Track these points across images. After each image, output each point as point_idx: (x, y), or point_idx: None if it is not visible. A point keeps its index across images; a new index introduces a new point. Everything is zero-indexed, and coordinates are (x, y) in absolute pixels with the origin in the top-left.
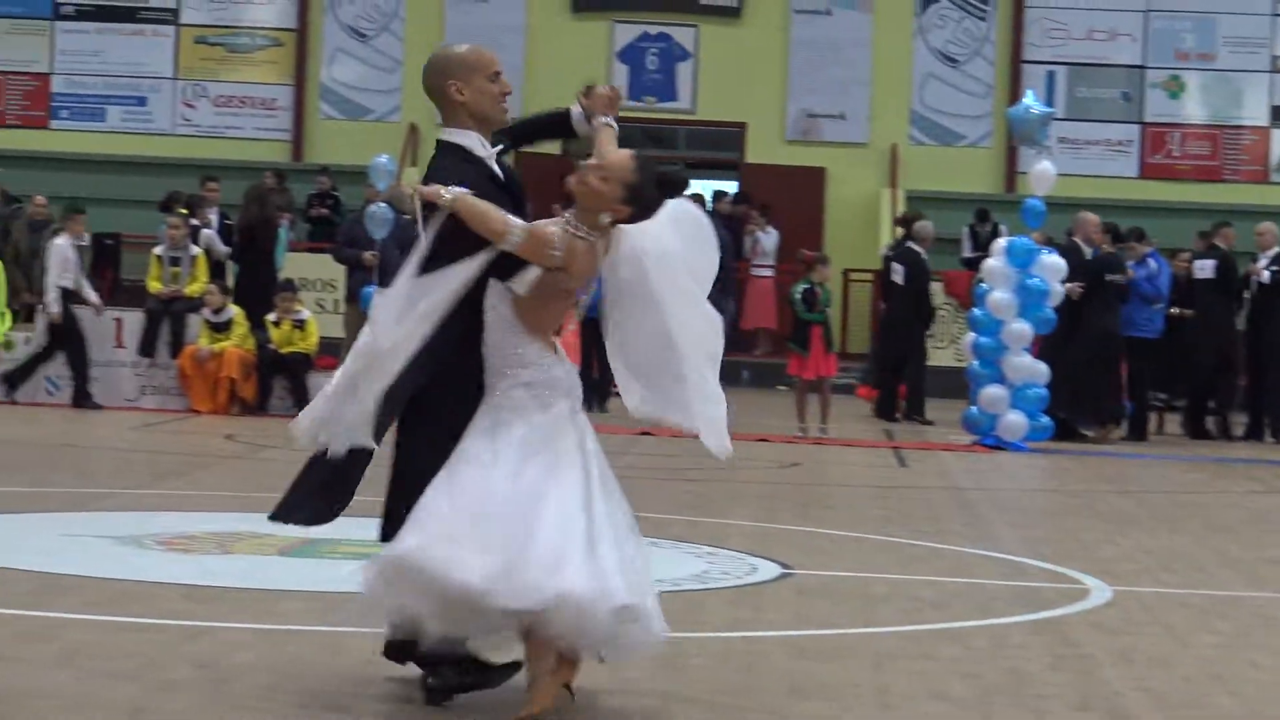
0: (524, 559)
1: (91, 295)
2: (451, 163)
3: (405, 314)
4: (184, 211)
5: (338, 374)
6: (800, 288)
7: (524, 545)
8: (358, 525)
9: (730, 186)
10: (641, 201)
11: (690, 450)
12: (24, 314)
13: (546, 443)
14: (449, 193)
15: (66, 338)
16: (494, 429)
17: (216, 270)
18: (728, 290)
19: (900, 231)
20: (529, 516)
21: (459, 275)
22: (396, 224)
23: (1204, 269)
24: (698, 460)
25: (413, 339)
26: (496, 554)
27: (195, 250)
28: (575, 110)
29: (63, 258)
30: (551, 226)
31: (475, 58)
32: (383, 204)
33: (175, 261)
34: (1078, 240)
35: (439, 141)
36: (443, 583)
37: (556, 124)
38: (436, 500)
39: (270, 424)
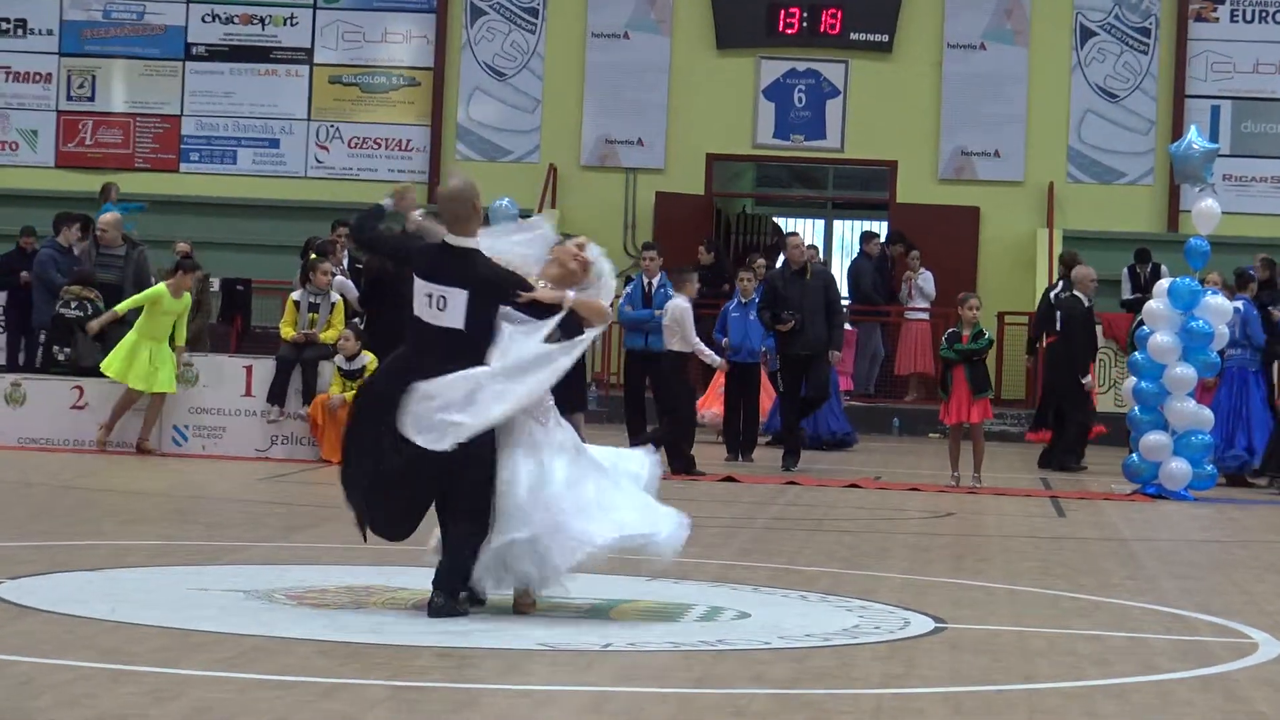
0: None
1: None
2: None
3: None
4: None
5: (457, 378)
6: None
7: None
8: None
9: (879, 227)
10: None
11: (842, 500)
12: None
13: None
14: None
15: None
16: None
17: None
18: (838, 323)
19: (1061, 270)
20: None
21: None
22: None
23: None
24: (851, 510)
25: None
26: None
27: (335, 297)
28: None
29: None
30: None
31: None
32: (507, 200)
33: (314, 308)
34: None
35: (469, 249)
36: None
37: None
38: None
39: None
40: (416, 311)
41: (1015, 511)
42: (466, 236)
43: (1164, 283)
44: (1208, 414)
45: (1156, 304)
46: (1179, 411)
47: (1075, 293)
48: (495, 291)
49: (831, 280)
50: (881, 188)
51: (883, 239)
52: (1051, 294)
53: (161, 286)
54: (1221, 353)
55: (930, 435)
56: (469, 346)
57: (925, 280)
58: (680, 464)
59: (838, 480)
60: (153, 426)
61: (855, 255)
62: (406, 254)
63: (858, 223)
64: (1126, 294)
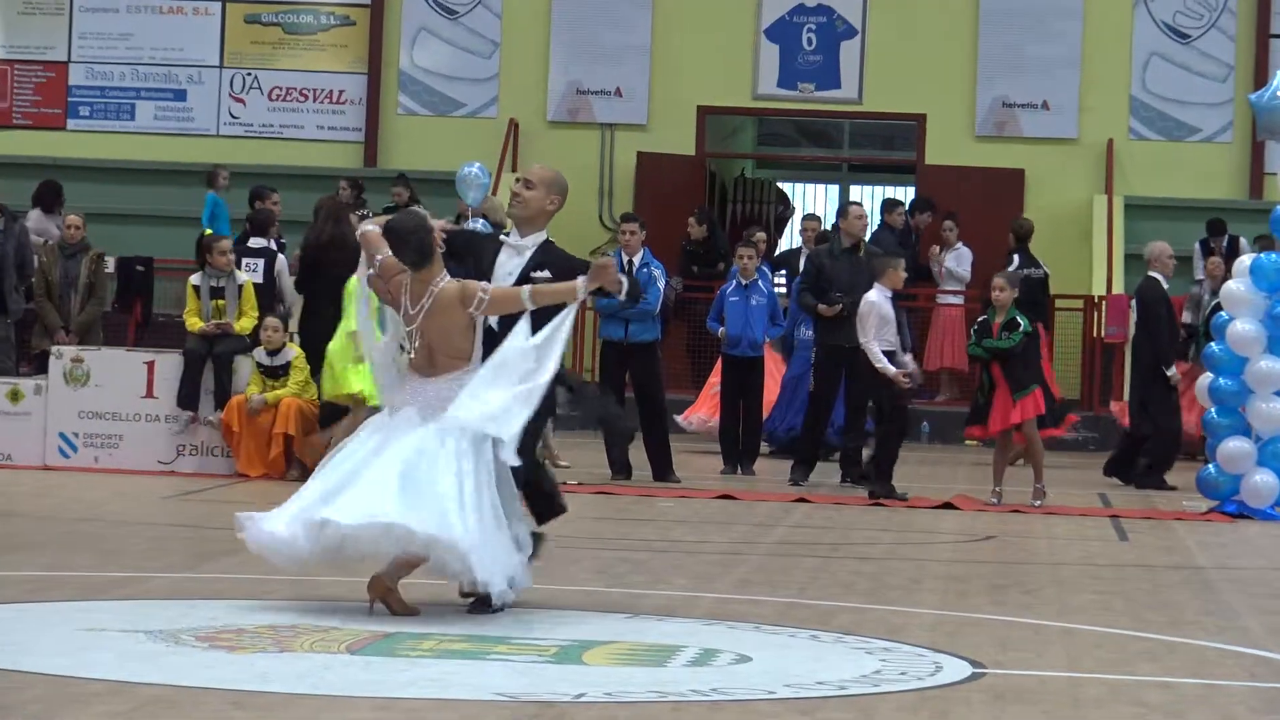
0: None
1: None
2: None
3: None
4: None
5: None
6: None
7: None
8: (443, 620)
9: (904, 193)
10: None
11: (861, 521)
12: (33, 362)
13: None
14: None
15: None
16: None
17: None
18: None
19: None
20: None
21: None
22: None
23: None
24: (873, 534)
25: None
26: None
27: (243, 278)
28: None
29: None
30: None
31: None
32: (482, 219)
33: (218, 293)
34: None
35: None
36: None
37: None
38: None
39: None
40: None
41: (1068, 534)
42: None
43: (1245, 259)
44: None
45: (1236, 285)
46: (1265, 413)
47: (1152, 273)
48: None
49: None
50: (907, 147)
51: (908, 207)
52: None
53: None
54: None
55: (966, 443)
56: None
57: (959, 258)
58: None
59: (856, 497)
60: None
61: (876, 227)
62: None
63: (878, 188)
64: (1200, 273)
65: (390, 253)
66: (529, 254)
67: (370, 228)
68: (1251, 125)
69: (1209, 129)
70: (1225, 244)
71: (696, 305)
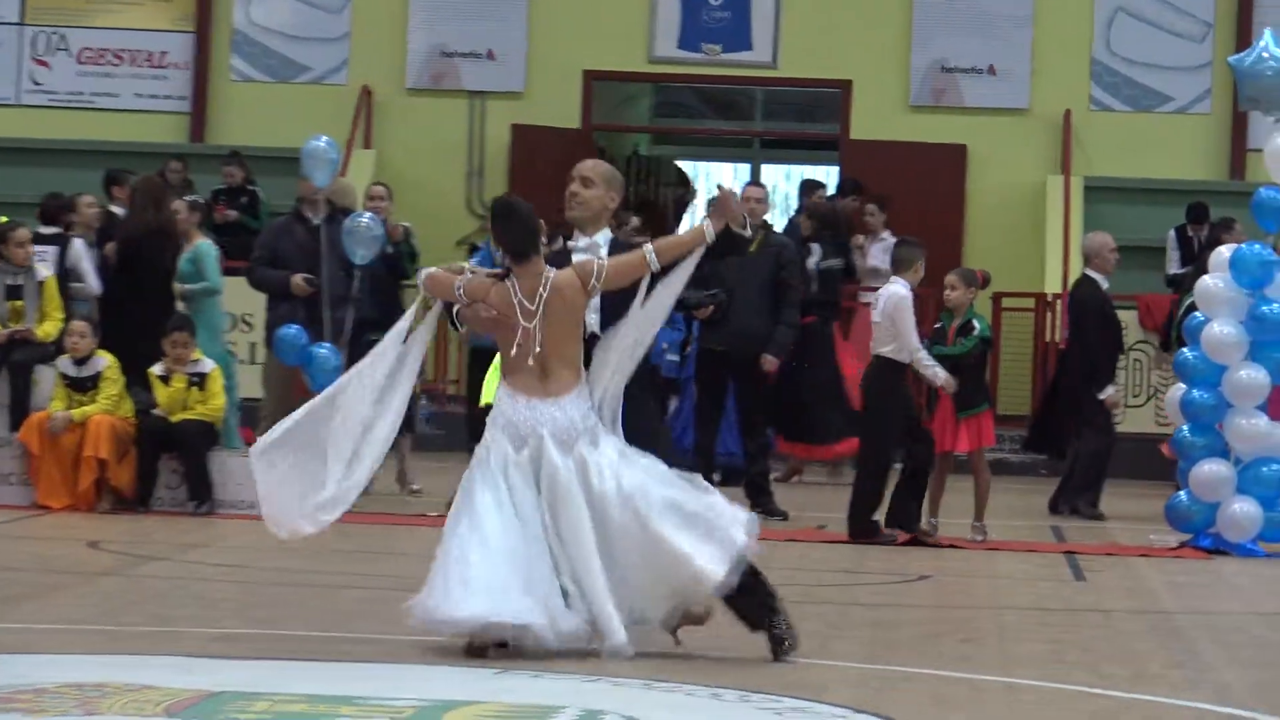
0: None
1: None
2: None
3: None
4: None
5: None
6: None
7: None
8: (281, 676)
9: (827, 173)
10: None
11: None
12: None
13: None
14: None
15: None
16: None
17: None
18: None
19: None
20: None
21: None
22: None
23: None
24: (786, 573)
25: None
26: None
27: (43, 274)
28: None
29: None
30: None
31: None
32: (368, 215)
33: (14, 293)
34: None
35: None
36: None
37: None
38: None
39: (155, 525)
40: None
41: (1015, 573)
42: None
43: (1225, 250)
44: None
45: (1214, 281)
46: (1245, 431)
47: (1089, 272)
48: None
49: (787, 251)
50: (830, 119)
51: (831, 190)
52: (813, 263)
53: None
54: None
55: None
56: None
57: (886, 250)
58: None
59: (765, 530)
60: None
61: (793, 212)
62: None
63: (796, 167)
64: (1174, 267)
65: (470, 276)
66: (604, 252)
67: (434, 270)
68: (1233, 94)
69: (1183, 98)
70: (1206, 233)
71: None
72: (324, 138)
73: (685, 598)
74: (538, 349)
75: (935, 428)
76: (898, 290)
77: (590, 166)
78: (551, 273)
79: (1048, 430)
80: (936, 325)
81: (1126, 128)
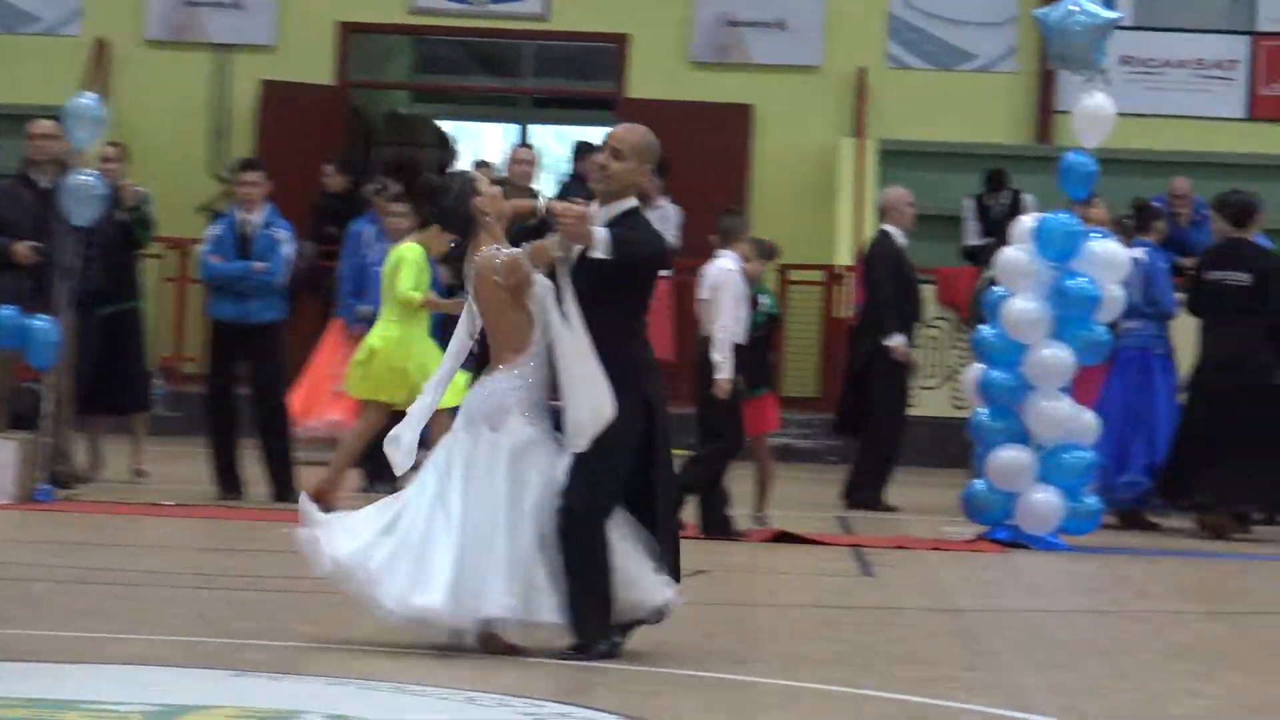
0: None
1: None
2: None
3: None
4: None
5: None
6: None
7: None
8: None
9: (603, 134)
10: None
11: None
12: None
13: None
14: None
15: None
16: None
17: None
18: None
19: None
20: None
21: None
22: (112, 201)
23: None
24: None
25: None
26: None
27: None
28: None
29: None
30: None
31: None
32: (91, 173)
33: None
34: None
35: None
36: None
37: None
38: None
39: None
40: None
41: (799, 568)
42: None
43: (1028, 220)
44: (1090, 419)
45: (1016, 252)
46: (1047, 415)
47: (886, 225)
48: None
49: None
50: (605, 76)
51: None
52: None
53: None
54: (1113, 326)
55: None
56: None
57: (663, 218)
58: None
59: None
60: None
61: (565, 177)
62: None
63: (569, 128)
64: (972, 237)
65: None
66: (597, 222)
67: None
68: (1040, 51)
69: (986, 55)
70: (1009, 201)
71: (334, 275)
72: (89, 94)
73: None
74: (477, 325)
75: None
76: (726, 265)
77: (623, 132)
78: (481, 253)
79: (858, 411)
80: None
81: (925, 87)
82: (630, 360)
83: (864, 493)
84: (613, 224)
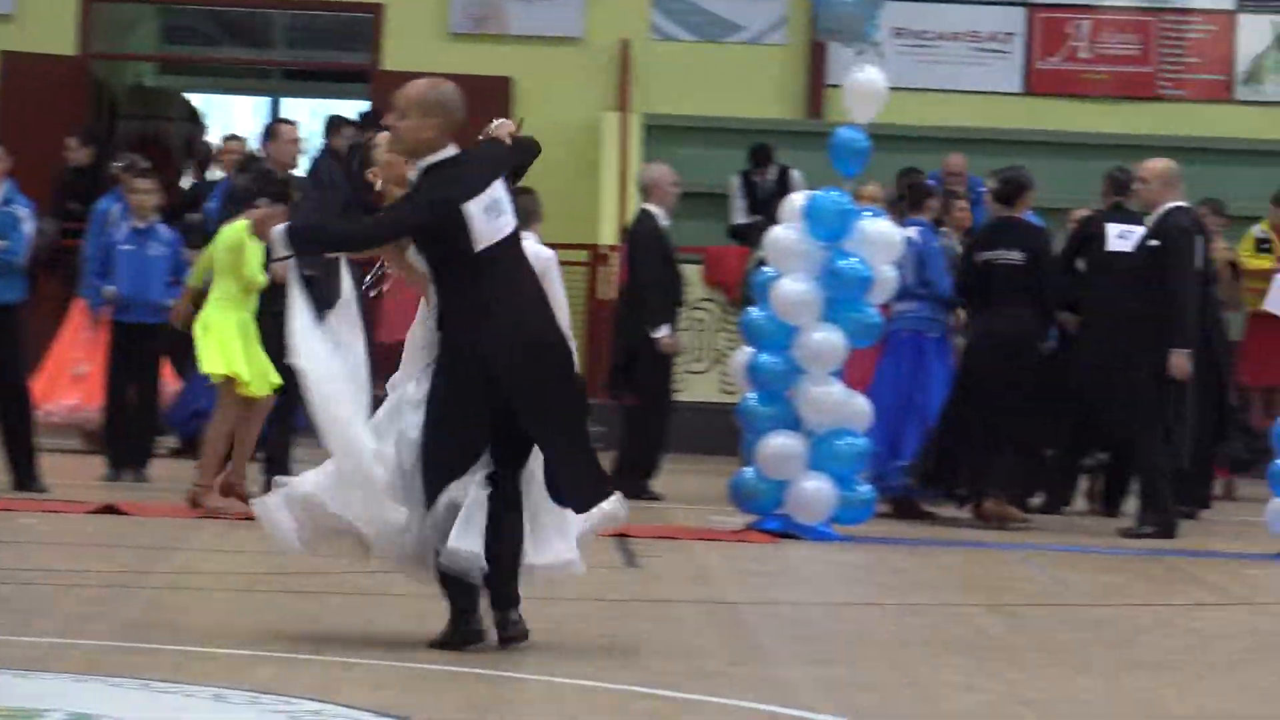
0: None
1: None
2: None
3: None
4: None
5: None
6: None
7: None
8: None
9: (358, 108)
10: None
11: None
12: None
13: None
14: None
15: None
16: None
17: None
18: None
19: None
20: None
21: None
22: None
23: (1126, 238)
24: (316, 562)
25: None
26: None
27: None
28: None
29: None
30: None
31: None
32: None
33: None
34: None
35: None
36: None
37: None
38: None
39: None
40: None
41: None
42: None
43: (797, 198)
44: (862, 404)
45: (785, 232)
46: (818, 400)
47: (648, 205)
48: None
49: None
50: (360, 48)
51: (359, 125)
52: None
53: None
54: (886, 308)
55: None
56: None
57: None
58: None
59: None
60: None
61: (318, 152)
62: None
63: (322, 101)
64: (739, 215)
65: None
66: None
67: None
68: (810, 23)
69: (755, 27)
70: (776, 177)
71: (77, 255)
72: None
73: None
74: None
75: None
76: (545, 250)
77: (402, 92)
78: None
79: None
80: None
81: (691, 60)
82: (450, 317)
83: (629, 481)
84: (415, 184)
